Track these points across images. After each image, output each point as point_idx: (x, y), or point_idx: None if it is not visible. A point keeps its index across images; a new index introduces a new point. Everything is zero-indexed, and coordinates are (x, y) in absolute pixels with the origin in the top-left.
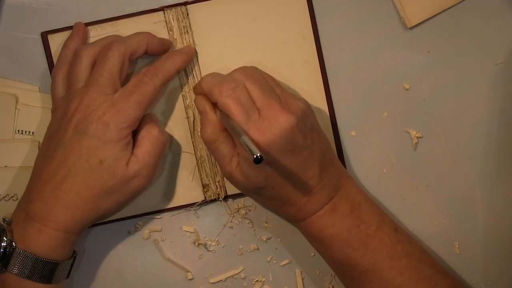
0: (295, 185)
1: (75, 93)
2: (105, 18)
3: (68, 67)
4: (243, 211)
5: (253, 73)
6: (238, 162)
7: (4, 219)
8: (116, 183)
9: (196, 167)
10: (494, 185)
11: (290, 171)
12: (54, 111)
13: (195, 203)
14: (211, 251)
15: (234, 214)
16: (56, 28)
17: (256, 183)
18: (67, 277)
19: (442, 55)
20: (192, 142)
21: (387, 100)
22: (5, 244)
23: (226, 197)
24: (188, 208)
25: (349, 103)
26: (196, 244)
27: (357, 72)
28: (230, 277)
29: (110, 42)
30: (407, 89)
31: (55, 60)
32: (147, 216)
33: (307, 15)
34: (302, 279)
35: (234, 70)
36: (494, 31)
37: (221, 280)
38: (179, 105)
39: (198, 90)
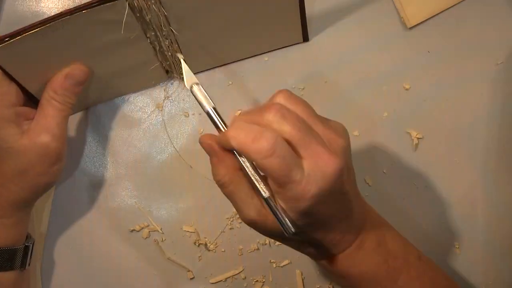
0: (330, 228)
1: None
2: None
3: None
4: None
5: (288, 112)
6: (262, 205)
7: None
8: (17, 160)
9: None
10: (494, 185)
11: (329, 216)
12: None
13: None
14: (212, 251)
15: (234, 218)
16: None
17: None
18: (23, 265)
19: (442, 55)
20: None
21: (387, 100)
22: None
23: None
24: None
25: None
26: (197, 244)
27: (357, 72)
28: (230, 277)
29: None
30: (407, 89)
31: None
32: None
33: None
34: (302, 279)
35: (265, 106)
36: (494, 31)
37: (221, 280)
38: None
39: (227, 146)
